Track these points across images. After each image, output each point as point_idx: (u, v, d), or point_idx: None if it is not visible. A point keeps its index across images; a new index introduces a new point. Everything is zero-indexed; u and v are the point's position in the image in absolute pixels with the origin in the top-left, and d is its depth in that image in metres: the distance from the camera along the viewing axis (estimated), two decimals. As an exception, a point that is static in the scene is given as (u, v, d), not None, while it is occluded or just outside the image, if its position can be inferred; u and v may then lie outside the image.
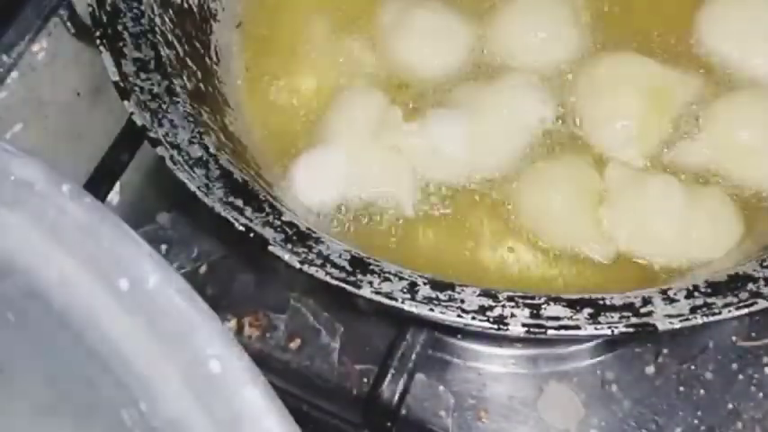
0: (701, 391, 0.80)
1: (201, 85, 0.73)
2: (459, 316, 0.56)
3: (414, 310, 0.56)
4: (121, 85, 0.65)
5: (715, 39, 0.78)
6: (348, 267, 0.58)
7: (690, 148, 0.73)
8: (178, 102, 0.66)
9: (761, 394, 0.80)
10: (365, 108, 0.76)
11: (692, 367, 0.82)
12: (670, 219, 0.69)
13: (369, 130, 0.74)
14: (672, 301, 0.57)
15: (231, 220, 0.60)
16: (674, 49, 0.79)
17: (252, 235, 0.59)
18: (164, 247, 0.90)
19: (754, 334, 0.83)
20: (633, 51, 0.77)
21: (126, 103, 0.65)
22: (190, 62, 0.72)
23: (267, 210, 0.61)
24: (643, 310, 0.56)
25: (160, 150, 0.63)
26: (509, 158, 0.74)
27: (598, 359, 0.82)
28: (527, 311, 0.56)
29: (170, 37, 0.71)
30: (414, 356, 0.69)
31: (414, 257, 0.70)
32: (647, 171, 0.73)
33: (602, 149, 0.74)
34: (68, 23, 0.87)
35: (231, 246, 0.90)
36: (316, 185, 0.73)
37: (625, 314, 0.56)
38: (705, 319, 0.56)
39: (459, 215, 0.73)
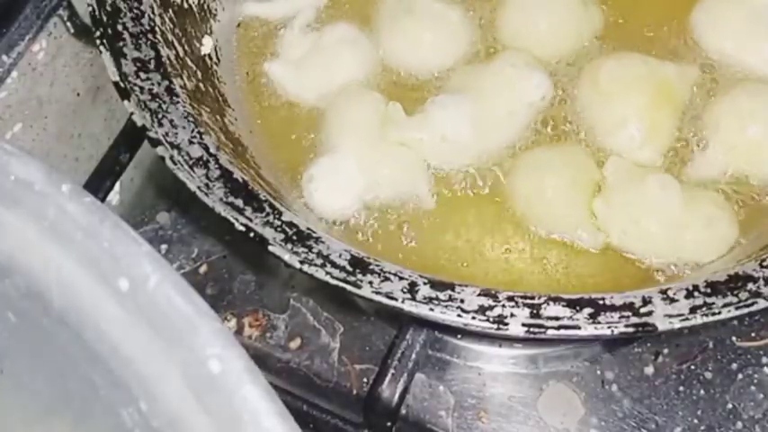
0: (701, 391, 0.81)
1: (201, 85, 0.72)
2: (458, 316, 0.56)
3: (414, 310, 0.56)
4: (121, 85, 0.65)
5: (713, 36, 0.78)
6: (348, 267, 0.58)
7: (702, 157, 0.73)
8: (178, 102, 0.66)
9: (761, 394, 0.80)
10: (365, 110, 0.75)
11: (692, 367, 0.82)
12: (665, 218, 0.69)
13: (373, 130, 0.74)
14: (672, 300, 0.57)
15: (231, 220, 0.60)
16: (673, 48, 0.79)
17: (252, 235, 0.59)
18: (164, 247, 0.90)
19: (753, 334, 0.83)
20: (634, 51, 0.77)
21: (126, 103, 0.65)
22: (190, 62, 0.72)
23: (267, 210, 0.61)
24: (643, 310, 0.56)
25: (160, 150, 0.63)
26: (516, 136, 0.75)
27: (598, 359, 0.82)
28: (527, 311, 0.56)
29: (170, 37, 0.71)
30: (414, 356, 0.69)
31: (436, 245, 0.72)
32: (647, 168, 0.73)
33: (614, 152, 0.74)
34: (68, 23, 0.86)
35: (231, 246, 0.90)
36: (332, 197, 0.72)
37: (625, 314, 0.56)
38: (705, 319, 0.56)
39: (474, 200, 0.73)
